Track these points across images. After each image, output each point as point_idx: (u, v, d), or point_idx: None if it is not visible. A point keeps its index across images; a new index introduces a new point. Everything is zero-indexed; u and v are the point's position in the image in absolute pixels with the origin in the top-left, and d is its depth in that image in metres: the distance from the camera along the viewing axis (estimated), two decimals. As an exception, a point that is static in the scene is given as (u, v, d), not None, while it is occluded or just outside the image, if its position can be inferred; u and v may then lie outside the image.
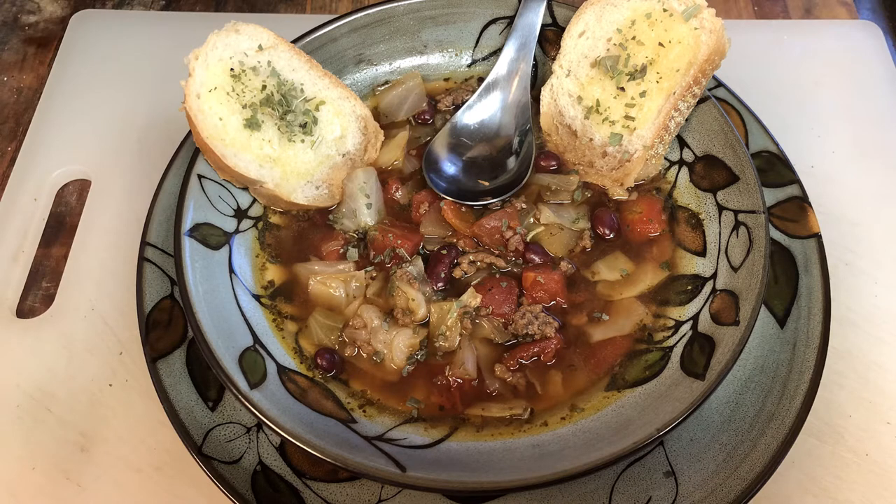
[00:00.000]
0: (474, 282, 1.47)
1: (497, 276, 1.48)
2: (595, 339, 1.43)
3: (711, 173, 1.54)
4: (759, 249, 1.39)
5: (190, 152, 1.54)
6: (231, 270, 1.46)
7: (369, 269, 1.50)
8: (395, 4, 1.70)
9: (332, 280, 1.47)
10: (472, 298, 1.42)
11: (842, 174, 1.78)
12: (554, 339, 1.41)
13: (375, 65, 1.76)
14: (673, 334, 1.42)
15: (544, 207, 1.55)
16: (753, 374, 1.41)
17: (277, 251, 1.54)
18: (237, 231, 1.52)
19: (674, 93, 1.50)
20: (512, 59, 1.68)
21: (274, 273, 1.52)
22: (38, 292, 1.67)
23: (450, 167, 1.62)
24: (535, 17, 1.68)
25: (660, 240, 1.54)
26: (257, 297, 1.47)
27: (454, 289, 1.47)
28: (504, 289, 1.45)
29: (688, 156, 1.59)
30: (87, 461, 1.44)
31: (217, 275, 1.44)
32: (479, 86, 1.70)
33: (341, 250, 1.53)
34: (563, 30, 1.65)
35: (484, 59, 1.79)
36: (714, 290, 1.44)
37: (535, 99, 1.69)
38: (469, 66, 1.79)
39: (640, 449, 1.23)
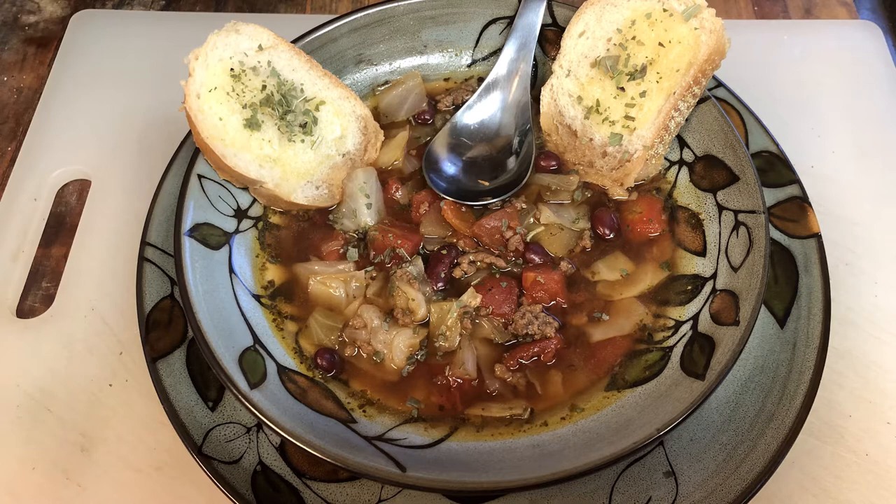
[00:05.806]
0: (474, 282, 1.47)
1: (497, 276, 1.48)
2: (595, 339, 1.43)
3: (711, 173, 1.54)
4: (759, 249, 1.39)
5: (190, 152, 1.54)
6: (231, 270, 1.46)
7: (369, 269, 1.50)
8: (395, 4, 1.70)
9: (332, 280, 1.47)
10: (472, 298, 1.42)
11: (842, 174, 1.78)
12: (554, 339, 1.41)
13: (375, 65, 1.76)
14: (673, 334, 1.42)
15: (544, 207, 1.55)
16: (753, 374, 1.41)
17: (277, 251, 1.54)
18: (237, 231, 1.52)
19: (674, 93, 1.50)
20: (512, 59, 1.68)
21: (274, 273, 1.52)
22: (38, 292, 1.67)
23: (450, 167, 1.62)
24: (535, 17, 1.68)
25: (660, 240, 1.54)
26: (257, 297, 1.47)
27: (454, 289, 1.47)
28: (504, 289, 1.45)
29: (688, 156, 1.59)
30: (87, 461, 1.44)
31: (217, 275, 1.44)
32: (479, 86, 1.70)
33: (341, 250, 1.53)
34: (563, 30, 1.65)
35: (484, 59, 1.78)
36: (714, 290, 1.44)
37: (535, 99, 1.69)
38: (469, 66, 1.79)
39: (640, 449, 1.23)
